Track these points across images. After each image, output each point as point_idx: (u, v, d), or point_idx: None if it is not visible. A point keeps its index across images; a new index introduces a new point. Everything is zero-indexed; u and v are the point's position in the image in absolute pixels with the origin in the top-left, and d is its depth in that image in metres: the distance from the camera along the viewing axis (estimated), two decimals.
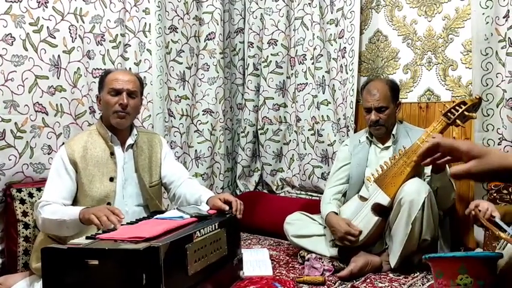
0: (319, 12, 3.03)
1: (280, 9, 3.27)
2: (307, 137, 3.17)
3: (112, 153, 1.93)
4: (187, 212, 1.72)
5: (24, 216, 2.12)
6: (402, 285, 1.97)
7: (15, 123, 2.20)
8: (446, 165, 2.13)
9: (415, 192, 2.00)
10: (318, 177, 3.10)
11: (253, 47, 3.38)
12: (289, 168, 3.35)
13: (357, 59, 2.83)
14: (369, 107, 2.30)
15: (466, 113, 2.04)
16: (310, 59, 3.12)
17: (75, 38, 2.42)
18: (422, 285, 1.97)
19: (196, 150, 3.15)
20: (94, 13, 2.51)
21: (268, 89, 3.36)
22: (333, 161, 2.83)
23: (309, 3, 3.13)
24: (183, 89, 3.07)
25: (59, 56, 2.36)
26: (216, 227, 1.64)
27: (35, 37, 2.26)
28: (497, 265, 0.84)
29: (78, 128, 2.42)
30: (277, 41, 3.30)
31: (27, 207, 2.13)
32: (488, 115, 2.32)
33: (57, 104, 2.36)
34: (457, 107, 2.06)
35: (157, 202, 2.05)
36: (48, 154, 2.31)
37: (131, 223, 1.67)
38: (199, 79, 3.17)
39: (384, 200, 2.12)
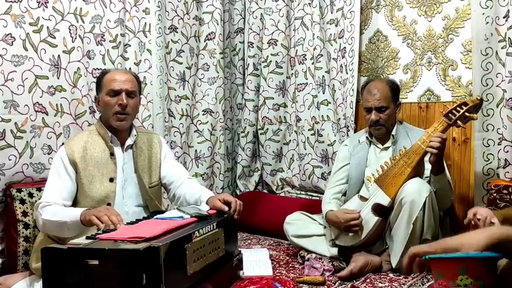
0: (319, 12, 3.03)
1: (280, 9, 3.27)
2: (307, 137, 3.17)
3: (112, 154, 1.93)
4: (187, 212, 1.72)
5: (24, 216, 2.12)
6: (402, 285, 1.97)
7: (15, 123, 2.20)
8: (445, 166, 2.14)
9: (416, 192, 2.00)
10: (318, 177, 3.10)
11: (253, 47, 3.38)
12: (289, 168, 3.35)
13: (357, 59, 2.83)
14: (369, 107, 2.30)
15: (467, 114, 2.04)
16: (310, 59, 3.12)
17: (75, 38, 2.42)
18: (422, 285, 1.97)
19: (196, 150, 3.15)
20: (94, 13, 2.51)
21: (268, 89, 3.36)
22: (333, 161, 2.84)
23: (309, 3, 3.13)
24: (183, 89, 3.07)
25: (59, 56, 2.36)
26: (214, 227, 1.65)
27: (35, 37, 2.26)
28: (497, 266, 0.84)
29: (78, 128, 2.42)
30: (277, 41, 3.30)
31: (27, 207, 2.13)
32: (488, 115, 2.32)
33: (57, 104, 2.36)
34: (458, 108, 2.06)
35: (157, 202, 2.05)
36: (48, 154, 2.31)
37: (131, 223, 1.67)
38: (199, 79, 3.17)
39: (384, 200, 2.12)
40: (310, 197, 3.15)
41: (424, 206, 1.99)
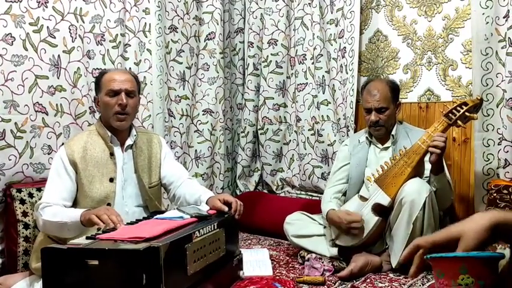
0: (319, 12, 3.03)
1: (280, 9, 3.27)
2: (307, 137, 3.17)
3: (112, 154, 1.93)
4: (187, 212, 1.72)
5: (24, 216, 2.12)
6: (402, 285, 1.97)
7: (15, 123, 2.20)
8: (445, 166, 2.14)
9: (416, 192, 2.00)
10: (318, 177, 3.10)
11: (253, 47, 3.38)
12: (289, 168, 3.35)
13: (357, 59, 2.83)
14: (369, 108, 2.30)
15: (467, 113, 2.04)
16: (310, 59, 3.12)
17: (75, 38, 2.42)
18: (423, 285, 1.97)
19: (196, 150, 3.15)
20: (94, 13, 2.51)
21: (268, 89, 3.36)
22: (333, 161, 2.83)
23: (309, 3, 3.13)
24: (183, 89, 3.07)
25: (59, 56, 2.36)
26: (215, 227, 1.64)
27: (35, 37, 2.26)
28: (498, 265, 0.84)
29: (78, 128, 2.42)
30: (277, 41, 3.30)
31: (27, 207, 2.13)
32: (488, 115, 2.32)
33: (57, 104, 2.36)
34: (458, 108, 2.06)
35: (157, 203, 2.05)
36: (48, 154, 2.31)
37: (131, 223, 1.67)
38: (199, 79, 3.17)
39: (384, 200, 2.12)
40: (310, 197, 3.15)
41: (424, 206, 1.99)
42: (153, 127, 2.75)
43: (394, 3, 2.79)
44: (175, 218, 1.65)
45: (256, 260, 2.23)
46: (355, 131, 2.82)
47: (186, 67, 3.08)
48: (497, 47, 2.28)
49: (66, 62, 2.40)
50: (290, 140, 3.35)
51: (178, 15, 3.00)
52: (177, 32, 3.00)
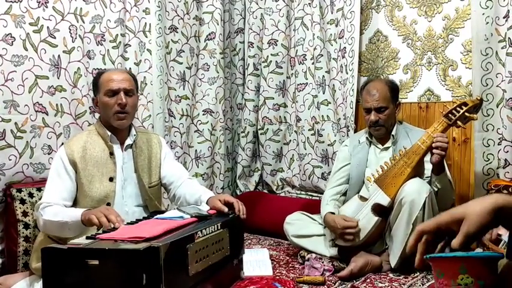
0: (319, 13, 3.03)
1: (280, 9, 3.27)
2: (307, 137, 3.17)
3: (111, 153, 1.93)
4: (187, 212, 1.72)
5: (24, 216, 2.12)
6: (402, 285, 1.97)
7: (15, 123, 2.20)
8: (446, 166, 2.14)
9: (415, 192, 2.00)
10: (318, 177, 3.10)
11: (253, 47, 3.38)
12: (289, 168, 3.35)
13: (357, 59, 2.83)
14: (369, 108, 2.30)
15: (467, 114, 2.04)
16: (310, 59, 3.12)
17: (75, 38, 2.42)
18: (422, 285, 1.97)
19: (196, 150, 3.15)
20: (94, 13, 2.51)
21: (268, 89, 3.36)
22: (333, 161, 2.84)
23: (309, 3, 3.13)
24: (183, 89, 3.07)
25: (59, 56, 2.36)
26: (219, 228, 1.64)
27: (35, 37, 2.26)
28: (498, 265, 0.84)
29: (78, 128, 2.42)
30: (278, 41, 3.30)
31: (27, 207, 2.13)
32: (488, 115, 2.32)
33: (57, 104, 2.36)
34: (458, 108, 2.06)
35: (157, 203, 2.05)
36: (48, 154, 2.31)
37: (131, 223, 1.67)
38: (200, 79, 3.17)
39: (384, 200, 2.12)
40: (310, 197, 3.15)
41: (424, 206, 1.99)
42: (153, 127, 2.75)
43: (394, 4, 2.79)
44: (175, 218, 1.65)
45: (256, 260, 2.23)
46: (355, 131, 2.82)
47: (186, 67, 3.08)
48: (497, 47, 2.28)
49: (66, 62, 2.40)
50: (290, 140, 3.36)
51: (178, 15, 3.00)
52: (177, 32, 3.00)
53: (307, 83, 3.17)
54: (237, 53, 3.44)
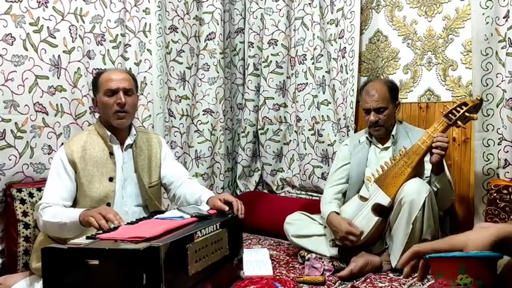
0: (319, 13, 3.03)
1: (280, 9, 3.27)
2: (308, 137, 3.17)
3: (111, 153, 1.93)
4: (187, 212, 1.72)
5: (25, 216, 2.12)
6: (402, 285, 1.97)
7: (16, 123, 2.20)
8: (445, 166, 2.14)
9: (415, 192, 2.00)
10: (318, 177, 3.10)
11: (253, 47, 3.39)
12: (289, 168, 3.35)
13: (357, 59, 2.83)
14: (368, 108, 2.31)
15: (467, 114, 2.04)
16: (311, 59, 3.12)
17: (76, 38, 2.42)
18: (422, 285, 1.97)
19: (196, 150, 3.15)
20: (94, 13, 2.51)
21: (269, 89, 3.36)
22: (333, 161, 2.83)
23: (309, 3, 3.13)
24: (183, 89, 3.08)
25: (59, 56, 2.36)
26: (218, 227, 1.64)
27: (35, 37, 2.27)
28: (497, 265, 0.84)
29: (78, 128, 2.42)
30: (278, 41, 3.30)
31: (27, 207, 2.13)
32: (488, 115, 2.32)
33: (57, 104, 2.36)
34: (458, 108, 2.06)
35: (157, 202, 2.05)
36: (49, 154, 2.32)
37: (131, 223, 1.67)
38: (200, 79, 3.17)
39: (384, 200, 2.12)
40: (311, 197, 3.15)
41: (424, 206, 1.99)
42: (153, 127, 2.75)
43: (394, 4, 2.79)
44: (175, 217, 1.65)
45: (256, 260, 2.23)
46: (355, 131, 2.82)
47: (186, 67, 3.08)
48: (497, 47, 2.28)
49: (67, 62, 2.40)
50: (290, 140, 3.36)
51: (178, 15, 3.00)
52: (177, 32, 3.00)
53: (307, 83, 3.17)
54: (237, 53, 3.44)
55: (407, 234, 2.01)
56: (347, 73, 2.90)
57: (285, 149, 3.39)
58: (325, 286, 2.00)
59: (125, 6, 2.64)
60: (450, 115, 2.07)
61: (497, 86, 2.30)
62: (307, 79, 3.17)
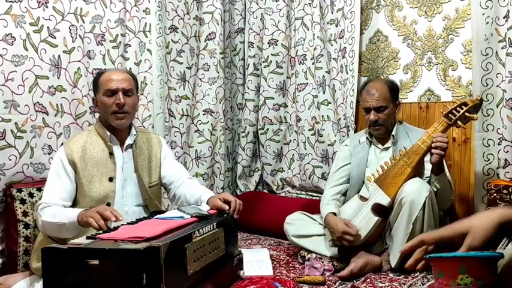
0: (319, 13, 3.03)
1: (280, 9, 3.27)
2: (308, 137, 3.17)
3: (111, 153, 1.93)
4: (187, 212, 1.72)
5: (25, 216, 2.12)
6: (402, 285, 1.97)
7: (16, 123, 2.20)
8: (445, 166, 2.14)
9: (415, 192, 2.00)
10: (318, 177, 3.10)
11: (253, 47, 3.39)
12: (289, 168, 3.35)
13: (357, 59, 2.83)
14: (368, 107, 2.31)
15: (467, 114, 2.04)
16: (311, 59, 3.12)
17: (76, 38, 2.42)
18: (422, 285, 1.97)
19: (196, 150, 3.15)
20: (94, 13, 2.51)
21: (269, 89, 3.36)
22: (333, 161, 2.83)
23: (309, 3, 3.13)
24: (184, 89, 3.08)
25: (59, 56, 2.36)
26: (214, 227, 1.65)
27: (35, 37, 2.27)
28: (497, 265, 0.84)
29: (78, 128, 2.42)
30: (278, 41, 3.30)
31: (27, 207, 2.13)
32: (488, 115, 2.32)
33: (57, 104, 2.36)
34: (458, 108, 2.06)
35: (157, 202, 2.05)
36: (49, 154, 2.31)
37: (131, 223, 1.67)
38: (200, 79, 3.17)
39: (384, 200, 2.12)
40: (311, 197, 3.15)
41: (424, 206, 1.99)
42: (153, 127, 2.75)
43: (394, 4, 2.79)
44: (175, 217, 1.65)
45: (256, 260, 2.23)
46: (356, 131, 2.82)
47: (187, 67, 3.08)
48: (497, 47, 2.28)
49: (67, 62, 2.40)
50: (290, 140, 3.36)
51: (178, 15, 3.00)
52: (177, 32, 3.00)
53: (307, 83, 3.17)
54: (237, 53, 3.44)
55: (408, 234, 2.00)
56: (347, 73, 2.90)
57: (285, 149, 3.39)
58: (325, 286, 2.00)
59: (125, 6, 2.64)
60: (450, 115, 2.07)
61: (497, 86, 2.30)
62: (307, 79, 3.17)
